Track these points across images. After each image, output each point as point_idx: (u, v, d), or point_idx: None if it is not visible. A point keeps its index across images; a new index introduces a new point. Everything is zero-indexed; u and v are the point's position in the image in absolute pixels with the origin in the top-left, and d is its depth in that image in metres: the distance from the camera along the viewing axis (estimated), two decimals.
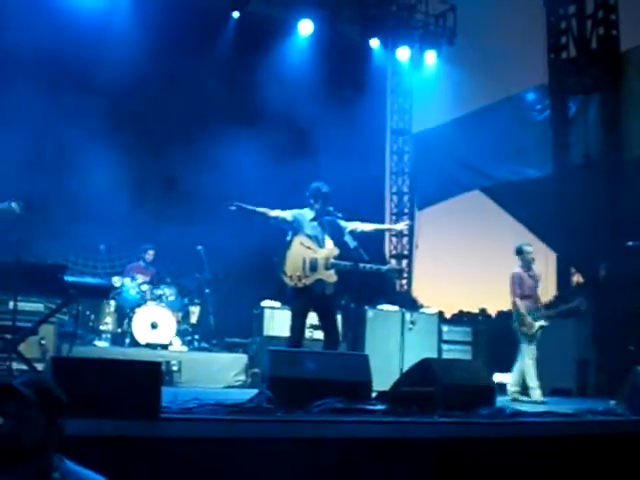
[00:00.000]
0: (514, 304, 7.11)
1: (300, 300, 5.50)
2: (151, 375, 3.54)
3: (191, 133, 9.72)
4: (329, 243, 5.63)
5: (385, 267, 5.61)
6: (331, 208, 5.62)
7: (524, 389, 7.09)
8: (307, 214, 5.65)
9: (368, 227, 5.81)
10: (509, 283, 7.13)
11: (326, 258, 5.51)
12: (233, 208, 5.51)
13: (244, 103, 10.70)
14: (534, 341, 7.08)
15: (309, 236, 5.58)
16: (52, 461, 2.00)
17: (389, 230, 5.57)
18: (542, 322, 7.09)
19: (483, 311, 12.34)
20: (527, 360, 7.03)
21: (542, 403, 6.64)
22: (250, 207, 5.59)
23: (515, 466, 4.06)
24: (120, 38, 9.61)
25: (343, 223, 5.68)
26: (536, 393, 6.93)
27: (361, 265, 5.42)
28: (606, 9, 9.90)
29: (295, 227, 5.61)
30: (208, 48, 10.82)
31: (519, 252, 7.17)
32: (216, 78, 10.63)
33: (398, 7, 12.98)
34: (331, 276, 5.50)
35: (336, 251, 5.56)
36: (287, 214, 5.65)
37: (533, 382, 6.99)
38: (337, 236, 5.62)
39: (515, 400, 6.84)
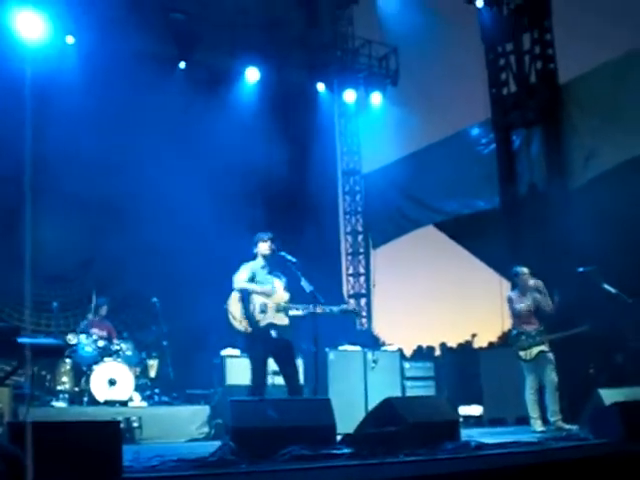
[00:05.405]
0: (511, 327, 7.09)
1: (256, 346, 5.47)
2: (111, 435, 3.45)
3: (141, 184, 9.62)
4: (279, 288, 5.63)
5: (337, 308, 5.60)
6: (283, 253, 5.63)
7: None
8: (257, 263, 5.67)
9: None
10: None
11: (277, 303, 5.51)
12: None
13: (193, 152, 10.71)
14: (533, 368, 6.87)
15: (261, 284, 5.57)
16: None
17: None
18: (541, 347, 6.85)
19: (443, 344, 12.42)
20: (527, 389, 6.87)
21: (542, 432, 6.46)
22: (249, 309, 5.48)
23: None
24: (67, 88, 9.56)
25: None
26: (536, 423, 6.78)
27: (313, 308, 5.41)
28: (542, 44, 10.16)
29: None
30: (156, 99, 10.84)
31: (514, 275, 7.21)
32: (164, 129, 10.65)
33: (342, 52, 13.36)
34: (282, 319, 5.49)
35: (286, 296, 5.57)
36: (245, 275, 5.58)
37: (533, 412, 6.83)
38: (292, 281, 5.63)
39: (559, 429, 6.55)
